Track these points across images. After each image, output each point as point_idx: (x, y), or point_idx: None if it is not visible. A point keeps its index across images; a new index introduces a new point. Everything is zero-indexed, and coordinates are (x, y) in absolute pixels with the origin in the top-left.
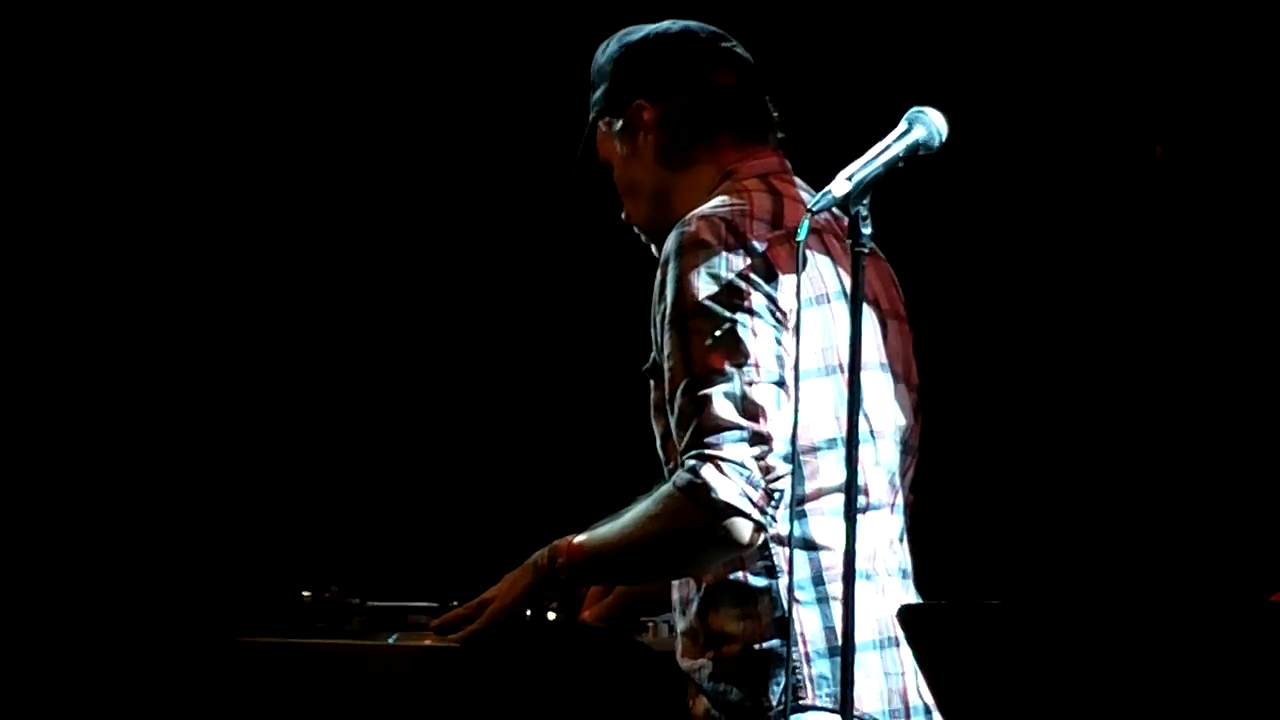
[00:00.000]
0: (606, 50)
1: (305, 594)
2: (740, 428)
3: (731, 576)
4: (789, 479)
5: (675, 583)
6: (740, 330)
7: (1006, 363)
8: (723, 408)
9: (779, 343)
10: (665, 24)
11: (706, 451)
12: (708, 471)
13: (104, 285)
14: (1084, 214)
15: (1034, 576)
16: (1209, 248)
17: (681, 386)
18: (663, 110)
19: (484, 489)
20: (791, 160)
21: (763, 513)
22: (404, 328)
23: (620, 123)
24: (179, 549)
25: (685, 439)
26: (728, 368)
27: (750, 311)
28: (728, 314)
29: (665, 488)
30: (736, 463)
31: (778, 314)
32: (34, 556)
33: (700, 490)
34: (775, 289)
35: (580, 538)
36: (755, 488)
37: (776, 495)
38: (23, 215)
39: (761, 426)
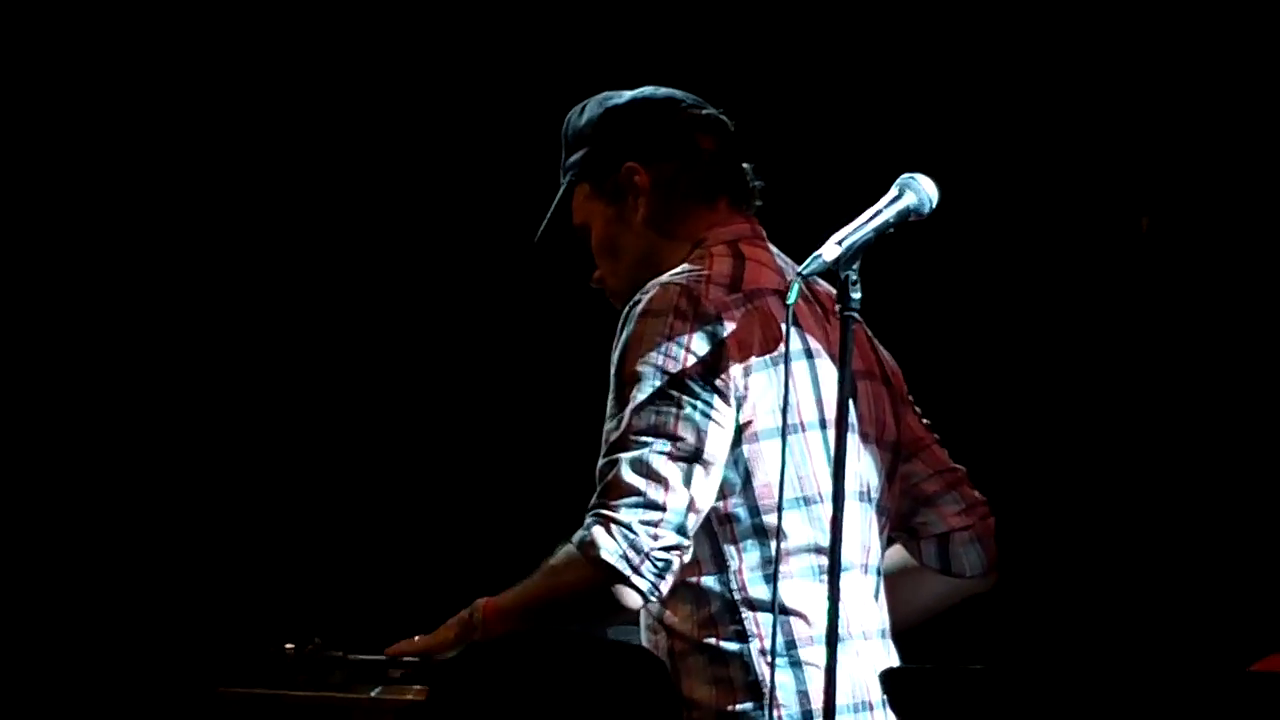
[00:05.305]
0: (585, 114)
1: (288, 646)
2: (639, 493)
3: (704, 641)
4: (683, 554)
5: (646, 646)
6: (665, 403)
7: (993, 433)
8: (628, 473)
9: (708, 417)
10: (646, 89)
11: (603, 512)
12: (597, 531)
13: (89, 325)
14: (1070, 285)
15: (1019, 638)
16: (1195, 320)
17: (604, 448)
18: (655, 175)
19: (469, 545)
20: (777, 225)
21: (646, 579)
22: (395, 378)
23: (607, 184)
24: (163, 599)
25: (593, 499)
26: (645, 437)
27: (682, 384)
28: (658, 384)
29: (566, 545)
30: (624, 524)
31: (716, 384)
32: (17, 602)
33: (588, 548)
34: (720, 356)
35: (499, 595)
36: (638, 552)
37: (661, 564)
38: (23, 217)
39: (658, 496)
